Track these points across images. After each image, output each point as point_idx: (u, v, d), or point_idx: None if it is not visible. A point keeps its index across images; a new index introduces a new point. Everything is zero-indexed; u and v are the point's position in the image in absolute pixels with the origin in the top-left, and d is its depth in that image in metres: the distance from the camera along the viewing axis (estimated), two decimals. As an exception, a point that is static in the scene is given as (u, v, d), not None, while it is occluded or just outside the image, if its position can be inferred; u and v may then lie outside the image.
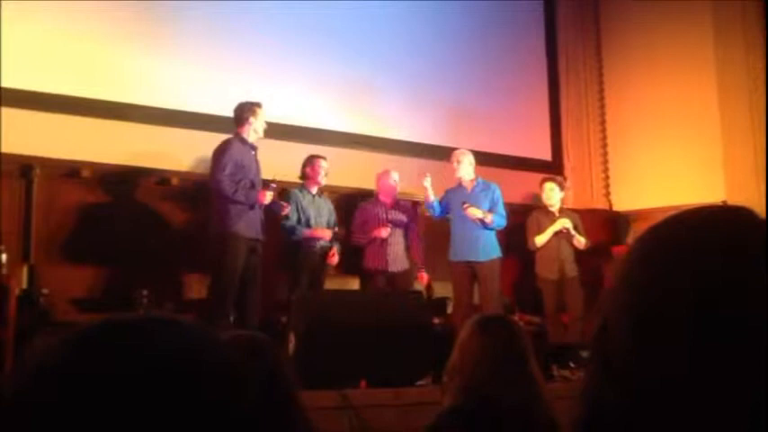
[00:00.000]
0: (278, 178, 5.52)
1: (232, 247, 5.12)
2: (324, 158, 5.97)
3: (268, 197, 5.34)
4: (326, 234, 5.78)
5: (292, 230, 5.74)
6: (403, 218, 6.18)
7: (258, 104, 5.43)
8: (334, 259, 5.84)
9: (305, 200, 5.85)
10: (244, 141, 5.34)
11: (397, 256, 6.05)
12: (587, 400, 0.66)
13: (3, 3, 5.36)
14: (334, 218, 5.99)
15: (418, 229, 6.31)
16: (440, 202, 6.18)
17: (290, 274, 5.73)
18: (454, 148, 6.44)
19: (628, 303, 0.65)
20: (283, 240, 5.76)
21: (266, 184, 5.35)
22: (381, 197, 6.18)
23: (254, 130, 5.39)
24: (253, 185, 5.27)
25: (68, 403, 0.54)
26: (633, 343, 0.63)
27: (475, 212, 5.96)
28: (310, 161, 5.93)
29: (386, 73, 7.16)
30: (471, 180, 6.20)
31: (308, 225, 5.79)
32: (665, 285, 0.64)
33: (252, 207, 5.22)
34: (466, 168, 6.18)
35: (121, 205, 5.77)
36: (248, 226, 5.20)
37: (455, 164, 6.18)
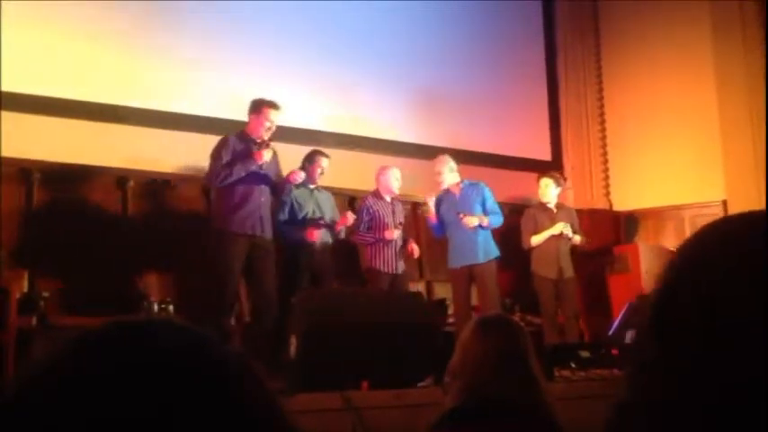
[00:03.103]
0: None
1: (224, 244, 5.06)
2: (326, 156, 5.82)
3: (266, 155, 5.16)
4: (316, 234, 5.58)
5: (284, 231, 5.58)
6: (402, 218, 6.09)
7: (266, 103, 5.29)
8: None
9: (301, 196, 5.69)
10: (242, 136, 5.26)
11: (401, 257, 5.97)
12: (617, 398, 0.67)
13: (2, 4, 5.37)
14: (336, 212, 5.85)
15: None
16: (438, 221, 6.06)
17: (288, 275, 5.56)
18: (452, 149, 6.40)
19: (652, 306, 0.67)
20: (280, 239, 5.61)
21: (261, 144, 5.19)
22: (383, 194, 6.03)
23: (253, 129, 5.28)
24: (246, 155, 5.13)
25: (70, 405, 0.55)
26: (654, 341, 0.65)
27: (472, 221, 5.89)
28: (311, 157, 5.78)
29: (382, 73, 7.16)
30: (457, 183, 6.08)
31: (305, 221, 5.62)
32: (677, 290, 0.65)
33: (250, 171, 5.10)
34: (448, 176, 6.04)
35: (122, 208, 5.77)
36: (242, 222, 5.10)
37: (438, 176, 6.03)
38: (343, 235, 5.86)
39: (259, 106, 5.27)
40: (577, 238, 6.45)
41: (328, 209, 5.80)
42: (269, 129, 5.25)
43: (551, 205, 6.52)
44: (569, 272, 6.37)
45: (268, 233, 5.26)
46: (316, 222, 5.64)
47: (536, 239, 6.39)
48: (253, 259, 5.14)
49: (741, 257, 0.63)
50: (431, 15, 7.53)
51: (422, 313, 4.96)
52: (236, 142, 5.21)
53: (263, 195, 5.25)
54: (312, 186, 5.76)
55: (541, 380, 2.15)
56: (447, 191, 6.09)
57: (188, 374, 0.58)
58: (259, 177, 5.23)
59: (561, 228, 6.33)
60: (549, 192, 6.52)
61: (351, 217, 5.77)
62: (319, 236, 5.62)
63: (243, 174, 5.09)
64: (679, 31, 7.89)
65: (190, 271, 5.74)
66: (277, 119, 5.30)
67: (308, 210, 5.67)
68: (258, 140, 5.20)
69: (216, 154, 5.17)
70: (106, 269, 5.57)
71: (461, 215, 5.85)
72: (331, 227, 5.76)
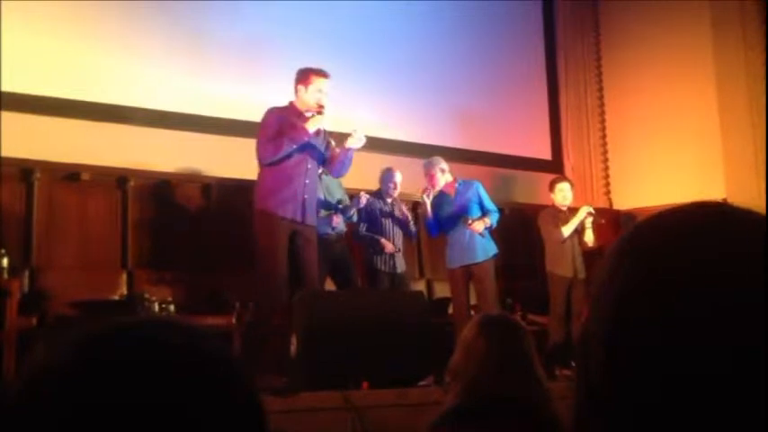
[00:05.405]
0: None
1: (264, 225, 4.73)
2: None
3: (312, 124, 4.70)
4: (336, 220, 5.38)
5: None
6: (402, 218, 6.07)
7: (313, 71, 4.86)
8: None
9: None
10: (289, 109, 4.85)
11: (401, 257, 5.97)
12: (572, 419, 0.63)
13: (2, 4, 5.36)
14: (346, 195, 5.66)
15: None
16: (434, 220, 5.99)
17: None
18: (453, 149, 6.40)
19: (600, 313, 0.62)
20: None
21: (313, 113, 4.75)
22: (384, 195, 5.99)
23: (302, 101, 4.84)
24: (293, 127, 4.67)
25: (71, 404, 0.55)
26: (605, 360, 0.60)
27: (479, 227, 5.88)
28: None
29: (383, 73, 7.15)
30: (451, 183, 6.02)
31: (320, 207, 5.37)
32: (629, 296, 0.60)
33: (300, 143, 4.70)
34: (440, 177, 5.96)
35: (122, 208, 5.77)
36: (283, 205, 4.71)
37: (430, 179, 5.94)
38: (355, 218, 5.69)
39: (306, 74, 4.86)
40: (590, 234, 6.42)
41: (338, 194, 5.63)
42: (318, 99, 4.80)
43: (564, 208, 6.54)
44: (583, 273, 6.36)
45: (310, 220, 4.87)
46: (335, 208, 5.46)
47: (566, 230, 6.36)
48: (295, 248, 4.78)
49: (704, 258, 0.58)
50: (430, 16, 7.53)
51: (422, 312, 4.96)
52: (282, 115, 4.80)
53: (308, 177, 4.84)
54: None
55: (543, 379, 2.15)
56: (442, 192, 6.07)
57: (187, 374, 0.58)
58: (307, 156, 4.84)
59: (587, 209, 6.35)
60: (568, 196, 6.53)
61: (364, 197, 5.64)
62: (339, 223, 5.48)
63: (293, 146, 4.68)
64: (679, 30, 7.89)
65: (194, 272, 5.75)
66: (326, 87, 4.84)
67: (320, 196, 5.44)
68: (307, 112, 4.80)
69: (262, 130, 4.80)
70: (106, 269, 5.58)
71: (469, 222, 5.83)
72: (344, 211, 5.59)
